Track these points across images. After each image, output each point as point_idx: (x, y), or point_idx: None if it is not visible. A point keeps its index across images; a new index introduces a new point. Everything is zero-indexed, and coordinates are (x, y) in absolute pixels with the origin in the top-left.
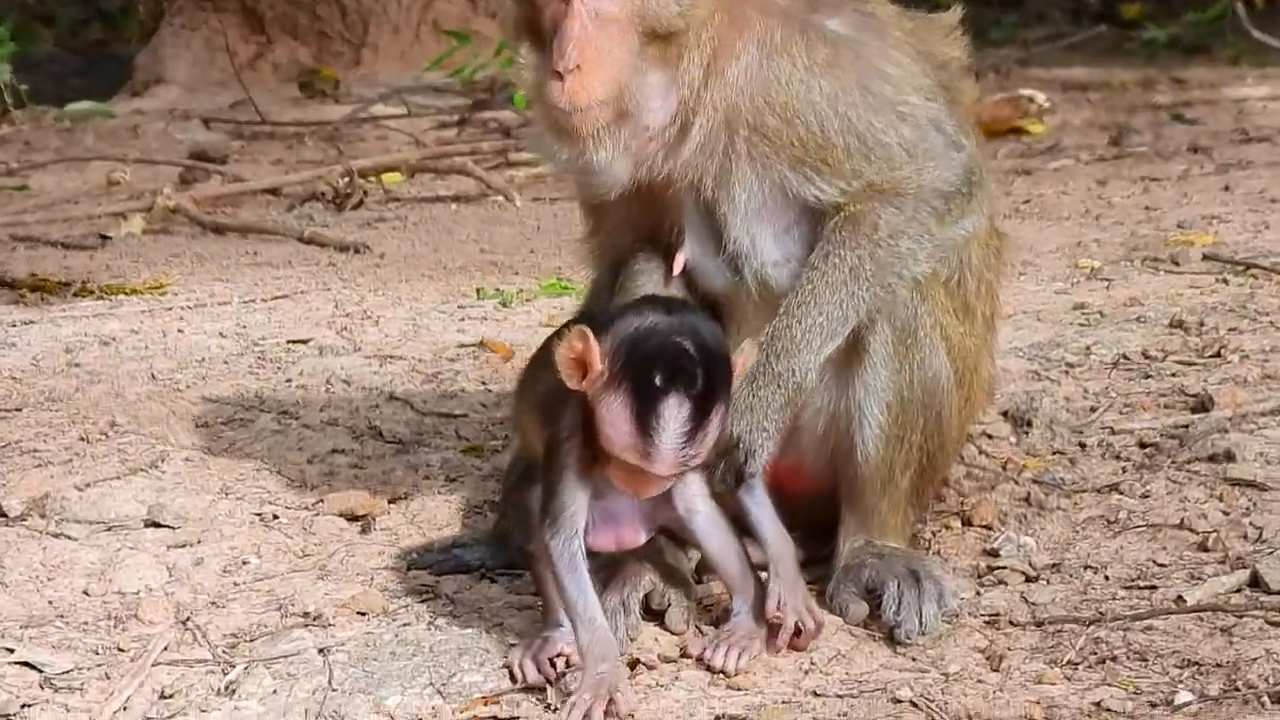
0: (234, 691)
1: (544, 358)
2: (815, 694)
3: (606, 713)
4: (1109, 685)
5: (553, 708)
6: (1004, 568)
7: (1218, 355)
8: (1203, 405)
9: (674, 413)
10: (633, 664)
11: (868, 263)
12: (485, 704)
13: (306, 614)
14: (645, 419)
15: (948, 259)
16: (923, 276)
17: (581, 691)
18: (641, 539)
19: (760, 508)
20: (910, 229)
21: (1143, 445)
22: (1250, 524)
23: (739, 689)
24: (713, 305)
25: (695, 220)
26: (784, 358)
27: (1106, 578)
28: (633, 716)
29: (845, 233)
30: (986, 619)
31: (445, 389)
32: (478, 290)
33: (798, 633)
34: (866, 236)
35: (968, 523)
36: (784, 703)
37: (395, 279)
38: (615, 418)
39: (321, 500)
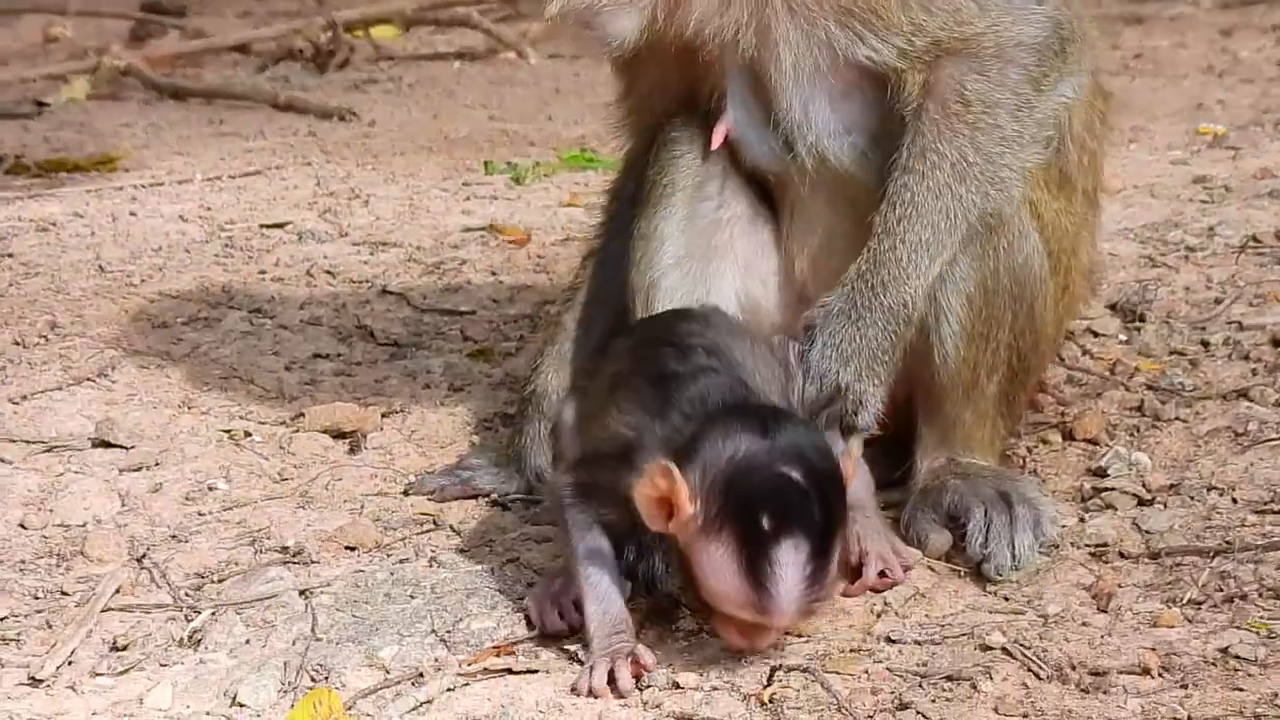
0: (199, 641)
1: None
2: (889, 640)
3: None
4: (1237, 628)
5: (578, 659)
6: (1112, 489)
7: None
8: None
9: (791, 559)
10: (674, 604)
11: (970, 153)
12: (498, 654)
13: (285, 549)
14: (758, 571)
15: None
16: (1036, 165)
17: (594, 658)
18: None
19: (837, 440)
20: (1006, 99)
21: (1276, 343)
22: None
23: (799, 635)
24: (761, 183)
25: (739, 85)
26: (891, 287)
27: (1234, 500)
28: (671, 670)
29: (934, 117)
30: (1092, 550)
31: (448, 281)
32: (486, 164)
33: (881, 575)
34: (959, 117)
35: (1069, 437)
36: (853, 651)
37: (388, 151)
38: (720, 570)
39: (302, 414)
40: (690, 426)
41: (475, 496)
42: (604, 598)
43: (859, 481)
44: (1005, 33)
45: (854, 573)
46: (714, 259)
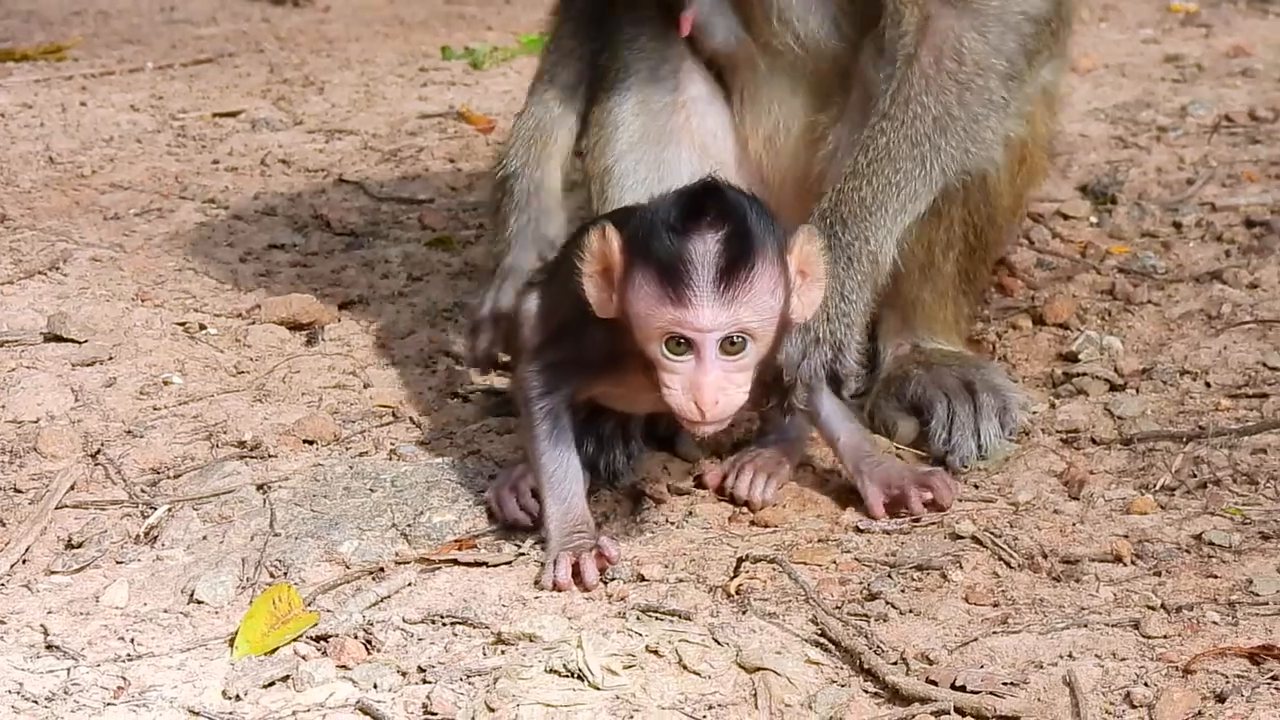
0: (156, 538)
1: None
2: (858, 530)
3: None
4: (1211, 514)
5: (542, 552)
6: (1084, 375)
7: None
8: None
9: (702, 249)
10: (637, 497)
11: (955, 109)
12: (460, 548)
13: (242, 444)
14: (670, 264)
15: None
16: (1015, 137)
17: (556, 552)
18: None
19: (827, 397)
20: (1000, 65)
21: (1250, 224)
22: None
23: (766, 525)
24: (719, 68)
25: None
26: (852, 225)
27: (1208, 385)
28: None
29: (926, 70)
30: (1063, 437)
31: (406, 170)
32: (443, 49)
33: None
34: (951, 75)
35: (1040, 321)
36: (820, 541)
37: (343, 36)
38: (641, 285)
39: (258, 306)
40: (625, 212)
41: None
42: (564, 493)
43: (855, 428)
44: None
45: (895, 505)
46: (670, 143)
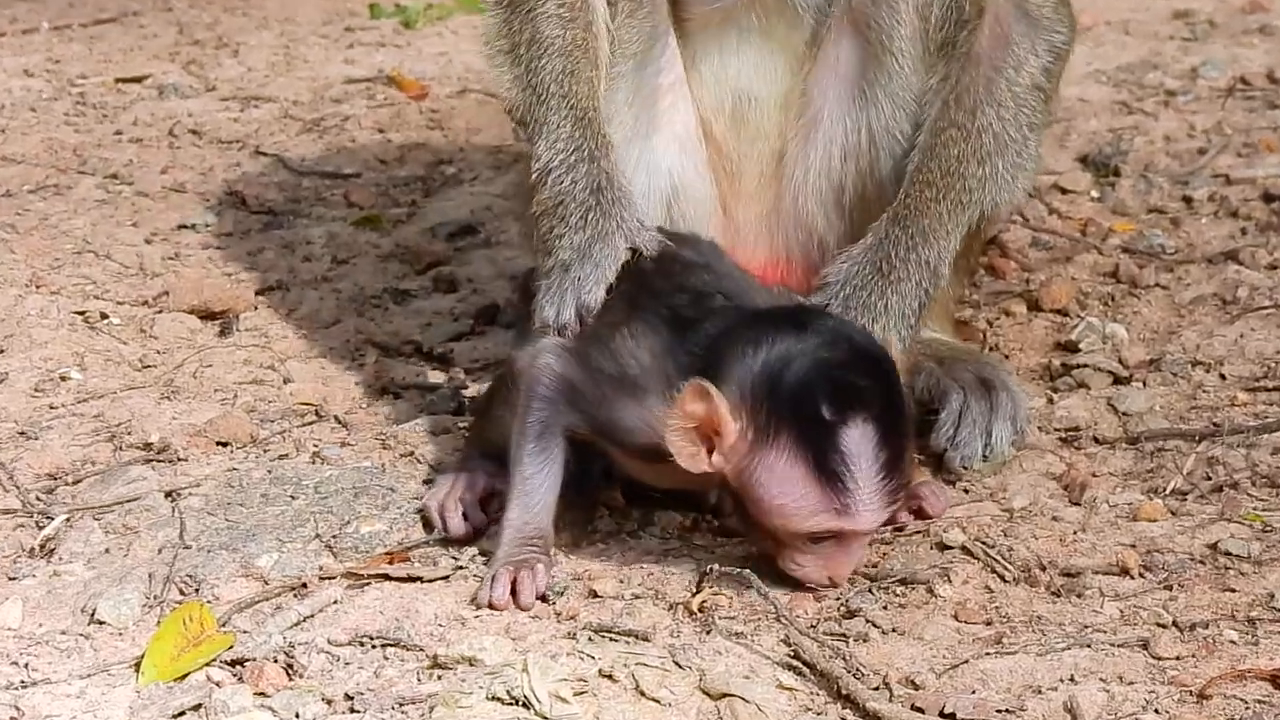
0: (52, 551)
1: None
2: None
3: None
4: (1227, 521)
5: (483, 566)
6: (1085, 366)
7: None
8: None
9: (865, 444)
10: (589, 503)
11: (1012, 128)
12: (391, 561)
13: (148, 445)
14: (830, 465)
15: None
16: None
17: (497, 566)
18: None
19: None
20: (1045, 84)
21: (1269, 198)
22: None
23: (732, 534)
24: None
25: None
26: (932, 241)
27: (1222, 377)
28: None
29: (986, 72)
30: (1062, 436)
31: (330, 141)
32: (372, 6)
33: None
34: (1009, 85)
35: (1036, 307)
36: None
37: None
38: (785, 481)
39: (166, 293)
40: (709, 351)
41: None
42: (534, 501)
43: None
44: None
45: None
46: (655, 133)
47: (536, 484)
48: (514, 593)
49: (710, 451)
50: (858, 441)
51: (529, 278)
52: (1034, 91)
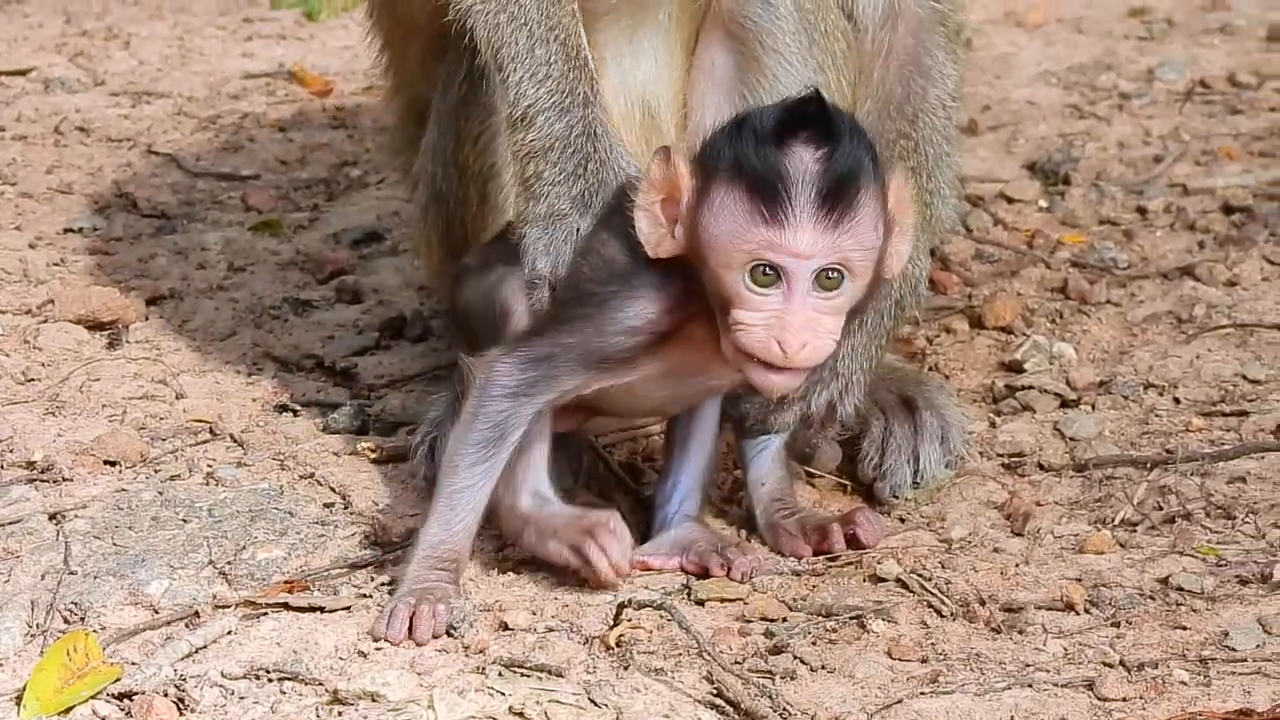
0: None
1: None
2: (768, 570)
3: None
4: (1179, 554)
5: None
6: (1030, 388)
7: None
8: None
9: (798, 160)
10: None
11: (942, 139)
12: (290, 590)
13: (31, 465)
14: (766, 178)
15: None
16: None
17: (398, 598)
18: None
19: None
20: (956, 98)
21: (1228, 210)
22: None
23: (651, 567)
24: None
25: None
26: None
27: (1176, 401)
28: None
29: (920, 81)
30: (1005, 462)
31: (227, 140)
32: None
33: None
34: (937, 96)
35: (979, 324)
36: (717, 583)
37: None
38: (723, 206)
39: (50, 302)
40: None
41: None
42: (456, 520)
43: (783, 476)
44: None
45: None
46: None
47: (464, 500)
48: (411, 628)
49: (674, 226)
50: (791, 159)
51: (461, 277)
52: (954, 103)
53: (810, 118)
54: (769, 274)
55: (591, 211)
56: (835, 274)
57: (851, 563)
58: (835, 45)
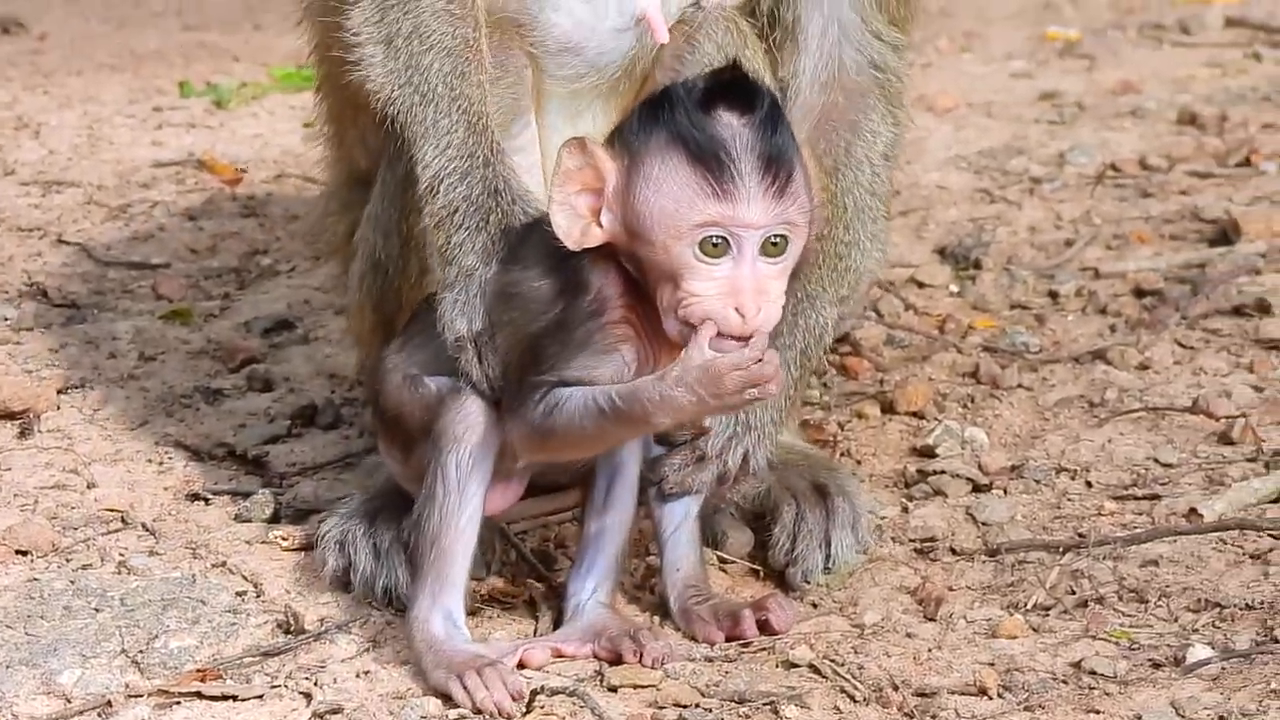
0: None
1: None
2: (681, 656)
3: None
4: (1092, 638)
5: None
6: (942, 473)
7: (1246, 163)
8: (1224, 236)
9: (738, 129)
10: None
11: (868, 195)
12: (203, 678)
13: None
14: (708, 150)
15: None
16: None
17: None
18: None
19: (694, 503)
20: (890, 158)
21: (1140, 294)
22: None
23: (563, 654)
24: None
25: None
26: (812, 304)
27: (1089, 485)
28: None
29: (845, 136)
30: (917, 546)
31: (138, 229)
32: (182, 84)
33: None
34: (864, 152)
35: (890, 409)
36: (629, 669)
37: (62, 70)
38: (664, 178)
39: None
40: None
41: None
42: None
43: (698, 560)
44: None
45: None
46: None
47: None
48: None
49: (597, 215)
50: (731, 128)
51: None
52: (885, 161)
53: (731, 86)
54: (719, 244)
55: (497, 259)
56: (781, 239)
57: (764, 649)
58: None
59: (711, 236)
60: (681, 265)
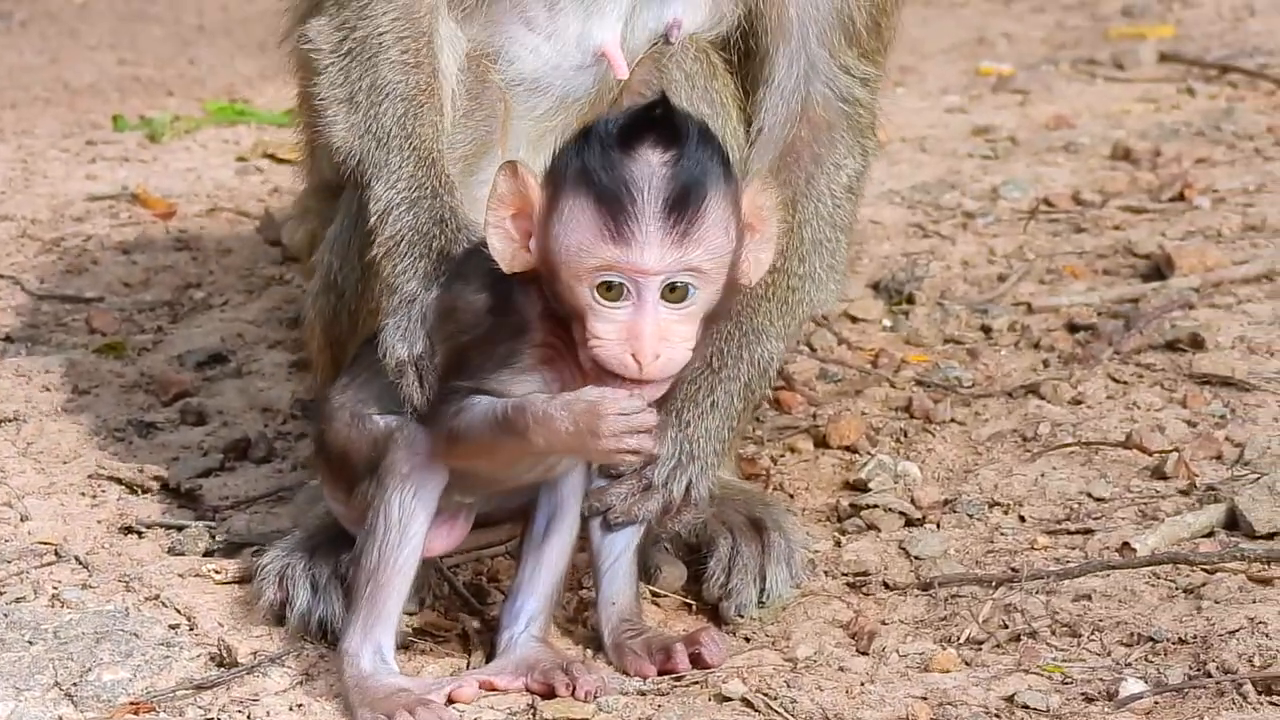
0: None
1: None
2: (614, 689)
3: None
4: (1025, 672)
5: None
6: (875, 507)
7: (1179, 198)
8: (1158, 270)
9: (642, 169)
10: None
11: (827, 227)
12: (136, 711)
13: None
14: (609, 190)
15: None
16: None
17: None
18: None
19: (635, 535)
20: (854, 190)
21: (1073, 328)
22: (1226, 439)
23: (493, 686)
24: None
25: None
26: (761, 341)
27: (1021, 519)
28: None
29: (808, 168)
30: (850, 580)
31: (71, 262)
32: (115, 118)
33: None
34: (827, 184)
35: (823, 444)
36: (560, 702)
37: None
38: (570, 218)
39: None
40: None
41: None
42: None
43: (634, 595)
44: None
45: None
46: None
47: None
48: None
49: (527, 239)
50: (647, 168)
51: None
52: (848, 193)
53: (656, 122)
54: (613, 288)
55: (438, 283)
56: (681, 285)
57: (697, 682)
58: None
59: (607, 280)
60: (584, 305)
